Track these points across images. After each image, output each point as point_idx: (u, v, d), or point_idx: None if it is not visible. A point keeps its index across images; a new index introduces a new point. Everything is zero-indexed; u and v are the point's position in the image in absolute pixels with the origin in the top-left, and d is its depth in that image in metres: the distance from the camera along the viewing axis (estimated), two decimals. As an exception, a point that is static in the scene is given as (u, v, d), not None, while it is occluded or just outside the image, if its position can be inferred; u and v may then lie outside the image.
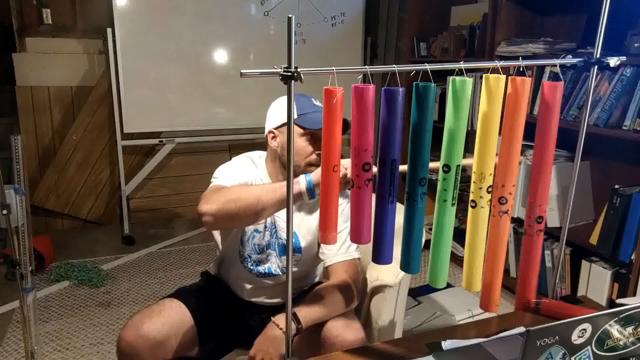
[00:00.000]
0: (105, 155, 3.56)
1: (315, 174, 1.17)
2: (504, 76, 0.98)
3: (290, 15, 0.85)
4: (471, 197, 1.05)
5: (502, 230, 1.08)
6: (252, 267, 1.46)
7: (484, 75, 0.98)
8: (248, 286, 1.50)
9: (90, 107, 3.46)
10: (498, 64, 1.00)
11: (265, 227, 1.45)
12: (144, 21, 3.23)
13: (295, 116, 1.30)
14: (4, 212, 1.51)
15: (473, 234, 1.06)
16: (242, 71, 0.88)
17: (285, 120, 1.36)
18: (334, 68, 0.89)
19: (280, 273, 1.46)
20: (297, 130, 1.33)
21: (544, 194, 1.10)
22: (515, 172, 1.06)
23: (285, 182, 1.17)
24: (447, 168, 0.99)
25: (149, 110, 3.36)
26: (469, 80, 0.94)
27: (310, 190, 1.17)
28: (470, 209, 1.05)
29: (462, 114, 0.96)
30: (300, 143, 1.34)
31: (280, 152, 1.39)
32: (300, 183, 1.17)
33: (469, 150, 1.07)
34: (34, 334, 1.76)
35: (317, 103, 1.38)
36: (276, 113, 1.41)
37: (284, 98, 1.39)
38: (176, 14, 3.27)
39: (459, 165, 1.00)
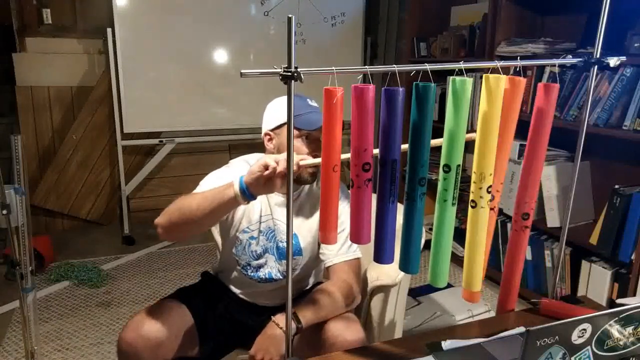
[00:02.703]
0: (105, 155, 3.56)
1: (248, 175, 1.14)
2: (504, 76, 0.98)
3: (290, 15, 0.85)
4: (471, 197, 1.05)
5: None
6: (252, 274, 1.46)
7: (483, 75, 0.98)
8: (248, 290, 1.51)
9: (90, 107, 3.45)
10: (498, 64, 1.00)
11: (260, 231, 1.44)
12: (144, 21, 3.23)
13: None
14: (4, 212, 1.51)
15: (473, 234, 1.06)
16: (242, 71, 0.88)
17: (280, 121, 1.37)
18: (334, 68, 0.89)
19: (281, 277, 1.46)
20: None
21: (532, 192, 1.11)
22: (503, 172, 1.07)
23: (221, 187, 1.18)
24: (447, 168, 1.00)
25: (149, 110, 3.36)
26: (469, 80, 0.94)
27: (243, 190, 1.15)
28: (470, 209, 1.05)
29: (462, 114, 0.96)
30: (296, 144, 1.33)
31: (277, 154, 1.38)
32: (234, 185, 1.16)
33: (468, 150, 1.07)
34: (34, 334, 1.76)
35: (313, 103, 1.38)
36: (272, 115, 1.40)
37: (279, 99, 1.39)
38: (176, 14, 3.27)
39: (459, 165, 1.00)
